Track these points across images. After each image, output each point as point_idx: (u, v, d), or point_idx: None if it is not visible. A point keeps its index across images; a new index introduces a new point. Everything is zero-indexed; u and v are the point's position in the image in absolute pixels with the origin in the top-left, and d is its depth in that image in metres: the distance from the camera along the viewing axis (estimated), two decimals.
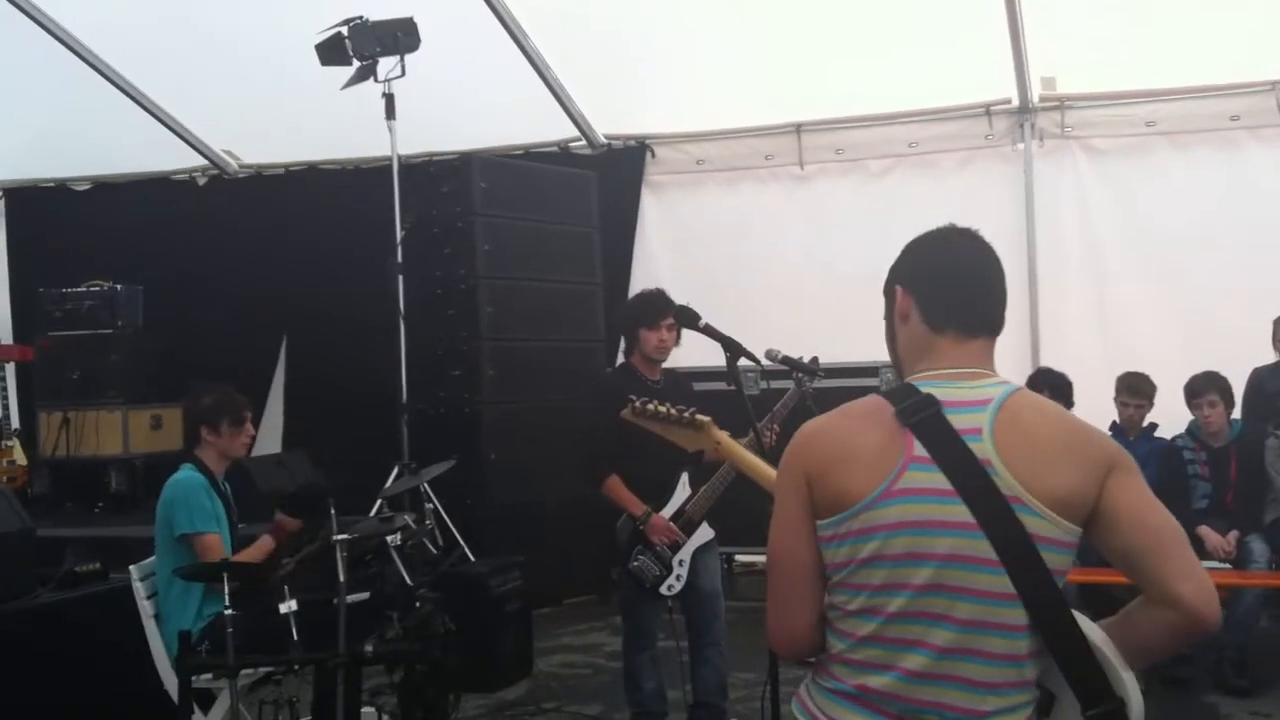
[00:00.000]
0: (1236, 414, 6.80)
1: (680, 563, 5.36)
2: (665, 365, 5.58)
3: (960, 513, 2.08)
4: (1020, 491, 2.08)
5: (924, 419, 2.14)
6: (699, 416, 3.05)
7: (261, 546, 5.08)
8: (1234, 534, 6.39)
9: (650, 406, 3.02)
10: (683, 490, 5.41)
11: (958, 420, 2.14)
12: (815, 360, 5.44)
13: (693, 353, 5.61)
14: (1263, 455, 6.54)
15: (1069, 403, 7.08)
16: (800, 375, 5.29)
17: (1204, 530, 6.42)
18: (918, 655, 2.11)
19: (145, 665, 4.93)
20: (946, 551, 2.09)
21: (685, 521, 5.36)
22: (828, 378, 5.73)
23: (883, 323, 2.53)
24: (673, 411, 3.04)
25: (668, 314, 5.37)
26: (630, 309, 5.64)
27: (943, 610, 2.10)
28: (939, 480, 2.10)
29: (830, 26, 7.90)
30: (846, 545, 2.16)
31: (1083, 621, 2.15)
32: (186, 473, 5.06)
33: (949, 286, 2.31)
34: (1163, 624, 2.11)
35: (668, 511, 5.35)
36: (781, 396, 5.30)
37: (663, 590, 5.33)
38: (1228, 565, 6.43)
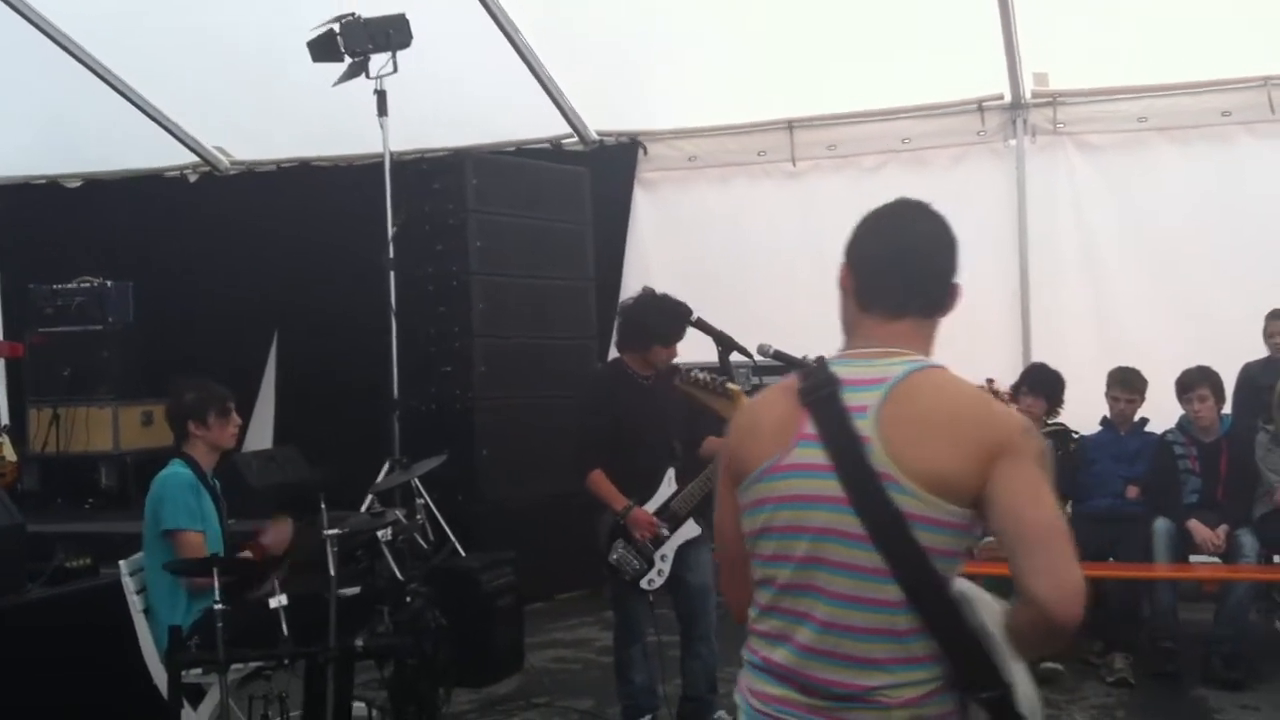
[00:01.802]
0: (1227, 409, 6.81)
1: (662, 558, 5.36)
2: None
3: (834, 488, 2.12)
4: (892, 469, 2.08)
5: (819, 398, 2.19)
6: (729, 385, 3.38)
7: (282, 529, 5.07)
8: (1224, 528, 6.41)
9: (695, 375, 3.47)
10: (668, 486, 5.41)
11: (852, 398, 2.16)
12: (820, 359, 5.44)
13: (684, 347, 5.59)
14: (1253, 450, 6.57)
15: (1058, 399, 7.11)
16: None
17: (1194, 524, 6.44)
18: (805, 629, 2.16)
19: (135, 660, 4.92)
20: (820, 525, 2.14)
21: (670, 517, 5.36)
22: None
23: None
24: (711, 380, 3.46)
25: (684, 334, 5.36)
26: (654, 324, 5.44)
27: (822, 584, 2.14)
28: (820, 456, 2.14)
29: (823, 23, 7.90)
30: (748, 516, 2.26)
31: (984, 604, 2.16)
32: (175, 469, 5.04)
33: (877, 266, 2.30)
34: (1024, 618, 2.09)
35: (651, 506, 5.35)
36: None
37: (643, 585, 5.33)
38: (1218, 559, 6.45)
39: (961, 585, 2.17)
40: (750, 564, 2.28)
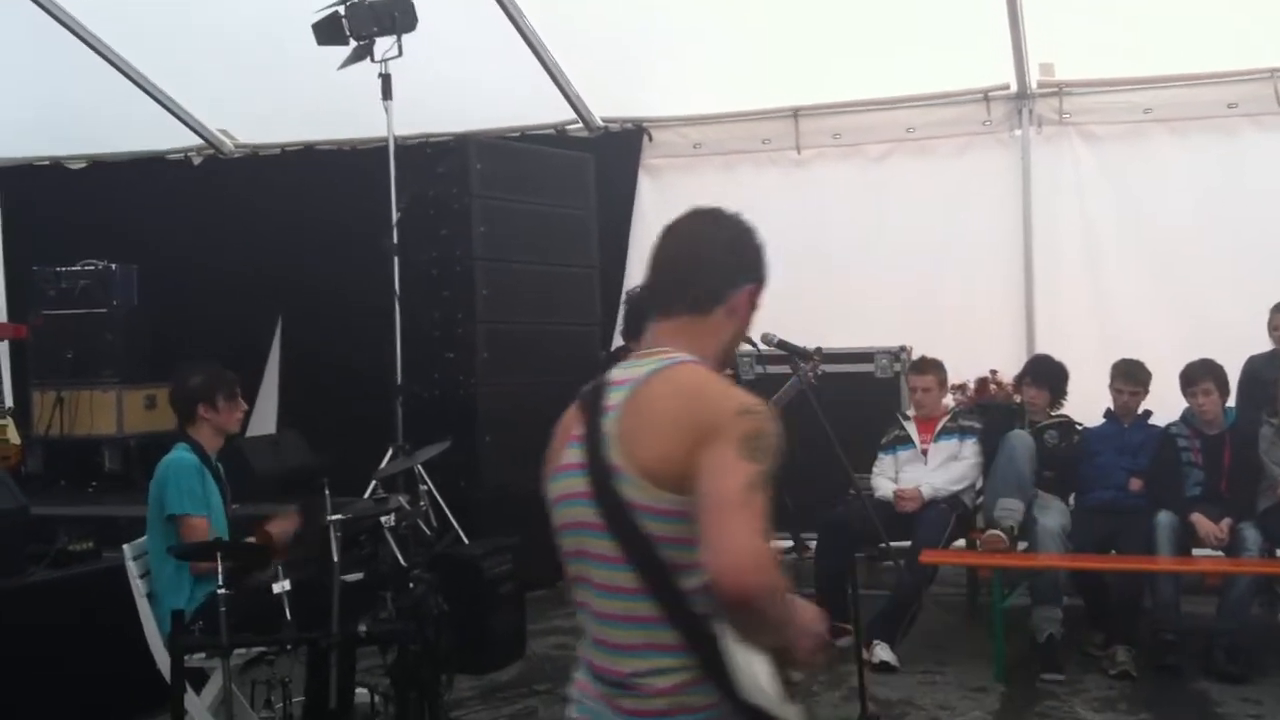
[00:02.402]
0: (1231, 402, 6.81)
1: None
2: None
3: (585, 484, 2.23)
4: (621, 460, 2.16)
5: (586, 400, 2.30)
6: None
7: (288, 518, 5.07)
8: (1227, 521, 6.39)
9: None
10: None
11: (610, 397, 2.25)
12: (818, 350, 5.45)
13: None
14: (1257, 443, 6.55)
15: (1061, 391, 7.12)
16: (800, 364, 5.29)
17: (1197, 517, 6.43)
18: (587, 619, 2.28)
19: (138, 644, 4.93)
20: (578, 520, 2.25)
21: None
22: (824, 363, 5.72)
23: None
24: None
25: None
26: None
27: (589, 575, 2.25)
28: (580, 455, 2.25)
29: (828, 11, 7.87)
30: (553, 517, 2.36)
31: None
32: (179, 453, 5.05)
33: (653, 270, 2.40)
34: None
35: None
36: (777, 381, 5.30)
37: None
38: (1221, 553, 6.45)
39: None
40: None
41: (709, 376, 2.25)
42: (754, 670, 2.09)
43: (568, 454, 2.29)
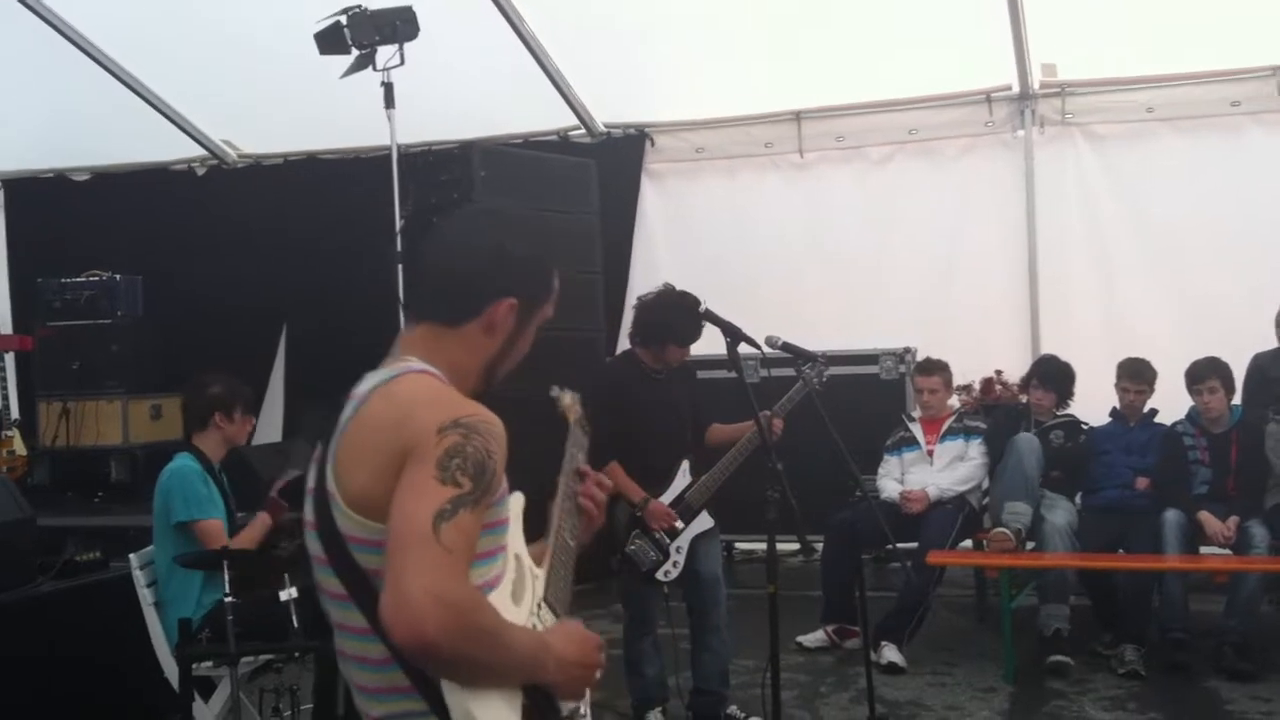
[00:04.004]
0: (1237, 399, 6.80)
1: (678, 549, 5.37)
2: None
3: (312, 513, 2.02)
4: (335, 487, 1.96)
5: (331, 418, 2.05)
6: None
7: (259, 523, 5.07)
8: (1234, 519, 6.38)
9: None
10: (683, 478, 5.42)
11: (344, 414, 2.03)
12: (823, 355, 5.47)
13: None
14: (1263, 441, 6.53)
15: (1068, 392, 7.10)
16: (804, 366, 5.29)
17: (1204, 516, 6.42)
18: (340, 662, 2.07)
19: (146, 654, 4.93)
20: (311, 551, 2.03)
21: (685, 508, 5.37)
22: (829, 366, 5.72)
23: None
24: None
25: (701, 334, 5.34)
26: (676, 323, 5.35)
27: (329, 612, 2.04)
28: (314, 480, 2.03)
29: (829, 13, 7.89)
30: None
31: None
32: (182, 460, 5.06)
33: (410, 271, 2.26)
34: None
35: (667, 498, 5.36)
36: (781, 383, 5.30)
37: (659, 576, 5.35)
38: (1228, 551, 6.44)
39: None
40: None
41: (429, 389, 2.02)
42: (477, 714, 1.89)
43: (312, 474, 2.05)
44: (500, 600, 2.01)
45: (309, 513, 2.03)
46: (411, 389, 2.00)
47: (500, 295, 2.15)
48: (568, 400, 2.81)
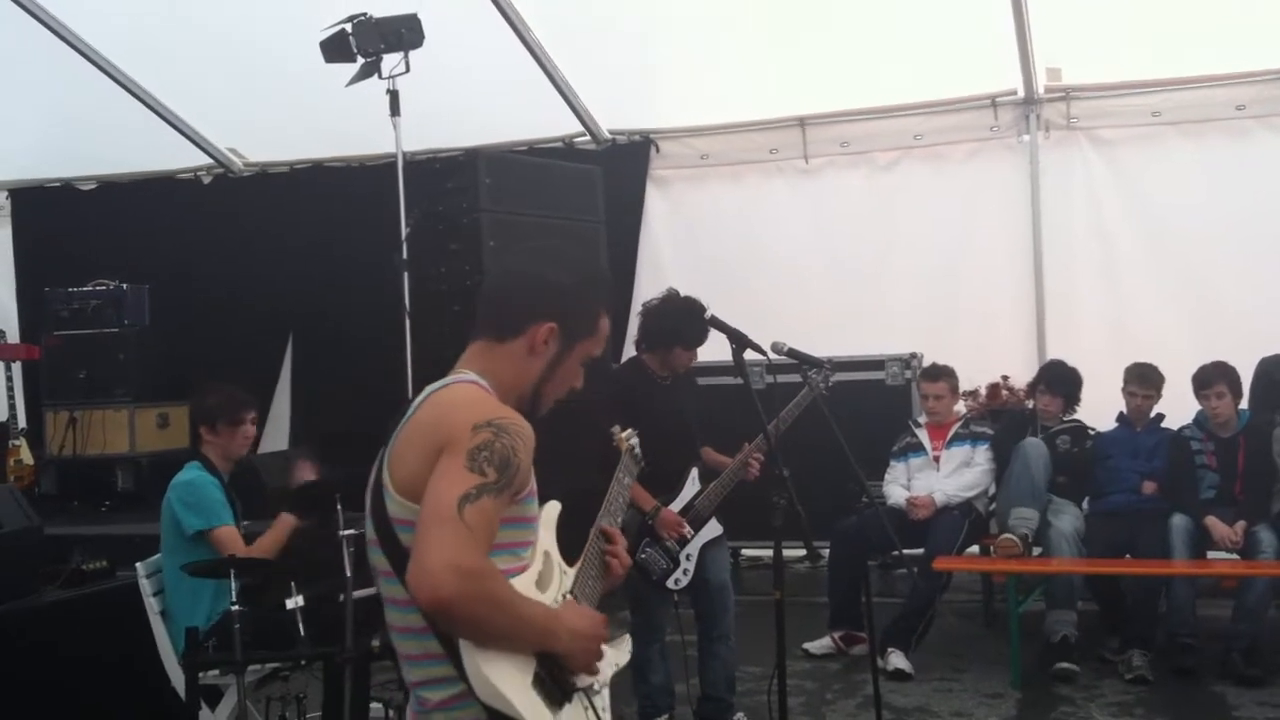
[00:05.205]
0: (1244, 404, 6.78)
1: (688, 557, 5.37)
2: None
3: (370, 501, 2.33)
4: (388, 477, 2.27)
5: (391, 421, 2.37)
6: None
7: (281, 525, 5.05)
8: (1241, 524, 6.37)
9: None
10: (692, 486, 5.42)
11: (404, 418, 2.33)
12: (829, 361, 5.47)
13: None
14: (1270, 445, 6.53)
15: (1075, 397, 7.10)
16: (811, 373, 5.29)
17: (1211, 520, 6.41)
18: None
19: (153, 662, 4.93)
20: (366, 537, 2.36)
21: (694, 516, 5.37)
22: (835, 371, 5.72)
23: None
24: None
25: (706, 339, 5.33)
26: (682, 328, 5.36)
27: (380, 588, 2.34)
28: (374, 475, 2.34)
29: (833, 18, 7.89)
30: None
31: None
32: (193, 471, 5.07)
33: (477, 298, 2.51)
34: None
35: (677, 506, 5.36)
36: (787, 389, 5.29)
37: (669, 584, 5.34)
38: (1236, 555, 6.43)
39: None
40: None
41: (471, 396, 2.32)
42: (487, 673, 2.14)
43: (375, 469, 2.36)
44: (524, 584, 2.28)
45: (368, 502, 2.32)
46: (455, 395, 2.32)
47: (541, 318, 2.40)
48: (622, 434, 3.16)
